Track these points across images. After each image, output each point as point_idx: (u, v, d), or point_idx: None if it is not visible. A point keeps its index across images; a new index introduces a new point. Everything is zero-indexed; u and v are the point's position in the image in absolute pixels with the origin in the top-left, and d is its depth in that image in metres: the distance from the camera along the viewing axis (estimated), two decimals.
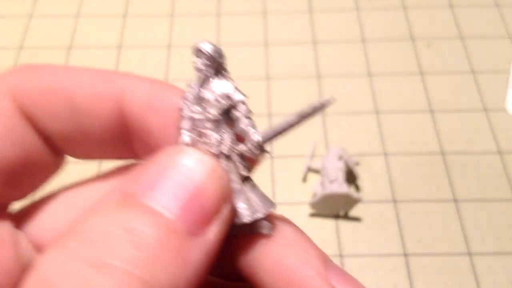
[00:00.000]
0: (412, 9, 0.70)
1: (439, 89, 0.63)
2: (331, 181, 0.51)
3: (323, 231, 0.53)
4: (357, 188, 0.55)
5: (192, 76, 0.16)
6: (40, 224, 0.18)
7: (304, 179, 0.56)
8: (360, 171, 0.56)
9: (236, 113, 0.16)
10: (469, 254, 0.50)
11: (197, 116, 0.16)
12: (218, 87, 0.16)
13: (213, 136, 0.15)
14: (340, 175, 0.52)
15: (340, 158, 0.53)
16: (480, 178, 0.55)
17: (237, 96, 0.16)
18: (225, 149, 0.16)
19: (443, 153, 0.57)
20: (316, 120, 0.60)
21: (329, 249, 0.51)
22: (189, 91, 0.16)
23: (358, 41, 0.68)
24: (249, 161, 0.16)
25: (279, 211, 0.18)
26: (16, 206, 0.19)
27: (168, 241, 0.13)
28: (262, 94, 0.62)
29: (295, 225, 0.16)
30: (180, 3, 0.72)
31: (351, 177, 0.55)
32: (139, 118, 0.17)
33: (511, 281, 0.49)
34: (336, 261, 0.51)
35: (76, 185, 0.19)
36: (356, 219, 0.53)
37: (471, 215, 0.52)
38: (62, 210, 0.18)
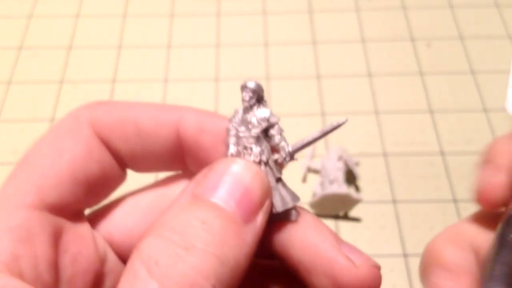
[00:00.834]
0: (412, 9, 0.71)
1: (439, 89, 0.63)
2: (331, 181, 0.51)
3: None
4: (357, 188, 0.55)
5: (238, 103, 0.21)
6: (110, 224, 0.23)
7: (304, 179, 0.56)
8: (360, 171, 0.56)
9: (272, 131, 0.21)
10: None
11: (242, 134, 0.21)
12: (259, 113, 0.21)
13: (256, 148, 0.21)
14: (340, 175, 0.52)
15: (340, 158, 0.53)
16: None
17: (272, 119, 0.21)
18: (264, 158, 0.21)
19: (442, 153, 0.57)
20: (316, 120, 0.60)
21: None
22: (236, 115, 0.21)
23: (358, 41, 0.68)
24: (280, 166, 0.21)
25: None
26: (88, 211, 0.23)
27: (231, 228, 0.18)
28: None
29: (313, 214, 0.21)
30: (180, 3, 0.72)
31: (351, 177, 0.55)
32: (192, 138, 0.22)
33: None
34: None
35: (137, 192, 0.24)
36: (356, 219, 0.53)
37: None
38: (128, 212, 0.23)
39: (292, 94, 0.62)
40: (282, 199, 0.21)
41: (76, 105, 0.22)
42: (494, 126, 0.59)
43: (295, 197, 0.21)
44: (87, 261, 0.21)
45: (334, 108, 0.61)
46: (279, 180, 0.21)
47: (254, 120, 0.21)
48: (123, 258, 0.22)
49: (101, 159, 0.21)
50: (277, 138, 0.21)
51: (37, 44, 0.68)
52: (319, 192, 0.51)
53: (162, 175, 0.24)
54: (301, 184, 0.55)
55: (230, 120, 0.21)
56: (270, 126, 0.21)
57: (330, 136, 0.59)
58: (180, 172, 0.24)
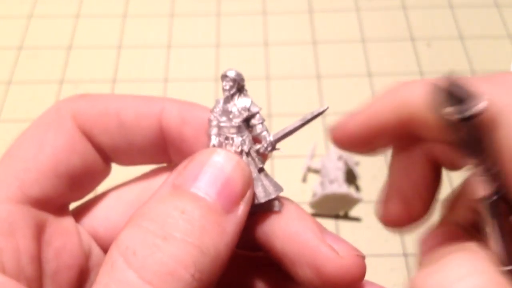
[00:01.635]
0: (412, 9, 0.71)
1: None
2: (331, 181, 0.51)
3: None
4: (357, 188, 0.55)
5: (217, 93, 0.22)
6: (94, 219, 0.23)
7: (304, 179, 0.56)
8: (360, 171, 0.56)
9: (253, 121, 0.21)
10: None
11: (223, 124, 0.21)
12: (240, 102, 0.21)
13: (237, 139, 0.21)
14: (340, 175, 0.52)
15: (340, 158, 0.53)
16: None
17: (253, 109, 0.21)
18: (246, 148, 0.21)
19: None
20: (316, 120, 0.60)
21: None
22: (216, 106, 0.21)
23: (358, 41, 0.68)
24: (263, 156, 0.21)
25: None
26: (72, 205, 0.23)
27: (211, 217, 0.18)
28: (262, 94, 0.62)
29: (296, 204, 0.21)
30: (180, 3, 0.72)
31: (351, 177, 0.55)
32: (175, 130, 0.22)
33: None
34: None
35: (121, 186, 0.24)
36: (356, 219, 0.53)
37: None
38: (112, 206, 0.23)
39: (292, 94, 0.62)
40: (265, 189, 0.21)
41: None
42: None
43: (278, 188, 0.21)
44: (71, 255, 0.21)
45: (334, 108, 0.61)
46: (261, 170, 0.21)
47: (235, 110, 0.21)
48: None
49: (84, 152, 0.21)
50: (258, 128, 0.21)
51: (37, 44, 0.68)
52: (319, 192, 0.51)
53: (148, 168, 0.24)
54: (301, 184, 0.55)
55: (212, 111, 0.21)
56: (252, 115, 0.21)
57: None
58: (164, 165, 0.24)
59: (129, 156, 0.23)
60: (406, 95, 0.20)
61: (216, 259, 0.17)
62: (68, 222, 0.22)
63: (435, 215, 0.24)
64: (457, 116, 0.17)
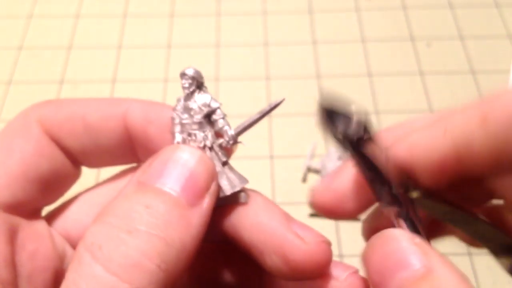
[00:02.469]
0: (412, 9, 0.71)
1: (439, 89, 0.63)
2: None
3: (323, 231, 0.52)
4: None
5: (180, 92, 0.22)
6: (67, 222, 0.23)
7: (304, 179, 0.56)
8: None
9: (214, 116, 0.22)
10: (469, 254, 0.50)
11: (185, 121, 0.21)
12: (200, 99, 0.22)
13: (199, 134, 0.21)
14: None
15: (340, 158, 0.53)
16: None
17: (213, 104, 0.22)
18: (208, 143, 0.21)
19: None
20: (316, 120, 0.60)
21: None
22: (178, 104, 0.22)
23: (358, 41, 0.68)
24: (226, 150, 0.22)
25: None
26: (45, 210, 0.23)
27: (175, 211, 0.18)
28: (262, 94, 0.62)
29: (263, 195, 0.22)
30: (180, 3, 0.72)
31: None
32: (140, 130, 0.22)
33: (510, 281, 0.49)
34: None
35: (91, 188, 0.24)
36: (356, 219, 0.53)
37: None
38: (83, 208, 0.23)
39: (292, 94, 0.62)
40: (230, 182, 0.21)
41: None
42: None
43: (243, 180, 0.21)
44: (45, 258, 0.21)
45: None
46: (225, 163, 0.22)
47: (195, 107, 0.22)
48: None
49: (52, 156, 0.22)
50: (220, 123, 0.22)
51: (37, 44, 0.68)
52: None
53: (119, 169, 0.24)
54: (301, 184, 0.55)
55: (174, 109, 0.22)
56: (212, 111, 0.22)
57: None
58: (134, 165, 0.24)
59: (97, 158, 0.23)
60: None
61: (182, 251, 0.18)
62: (40, 225, 0.22)
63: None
64: (340, 136, 0.19)
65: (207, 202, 0.19)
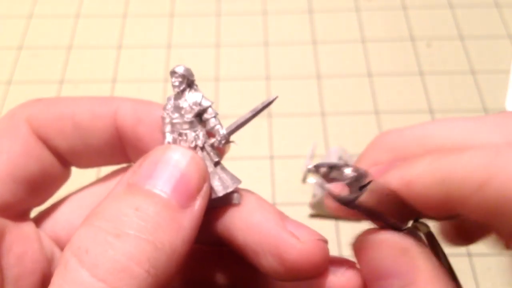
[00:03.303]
0: (412, 9, 0.70)
1: (439, 89, 0.63)
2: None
3: (323, 232, 0.52)
4: None
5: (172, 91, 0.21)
6: (56, 224, 0.23)
7: (304, 180, 0.56)
8: None
9: (205, 115, 0.21)
10: (469, 255, 0.50)
11: (176, 121, 0.21)
12: (190, 97, 0.21)
13: (190, 134, 0.21)
14: None
15: (340, 158, 0.53)
16: None
17: (204, 103, 0.21)
18: (199, 142, 0.21)
19: None
20: (316, 120, 0.60)
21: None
22: (168, 103, 0.21)
23: (358, 41, 0.68)
24: (219, 150, 0.21)
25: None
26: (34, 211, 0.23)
27: (166, 213, 0.17)
28: (262, 94, 0.62)
29: (257, 194, 0.21)
30: (180, 3, 0.72)
31: None
32: (130, 129, 0.21)
33: (509, 282, 0.49)
34: None
35: (81, 189, 0.23)
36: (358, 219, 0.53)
37: None
38: (72, 210, 0.23)
39: (292, 94, 0.62)
40: (223, 183, 0.21)
41: None
42: None
43: (236, 180, 0.21)
44: (32, 261, 0.21)
45: (334, 108, 0.61)
46: (217, 164, 0.21)
47: (186, 106, 0.21)
48: None
49: (41, 157, 0.21)
50: (211, 122, 0.21)
51: (37, 44, 0.68)
52: (319, 192, 0.51)
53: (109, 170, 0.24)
54: (301, 184, 0.55)
55: (164, 108, 0.21)
56: (203, 110, 0.21)
57: (330, 136, 0.59)
58: (125, 165, 0.24)
59: (87, 159, 0.23)
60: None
61: (172, 254, 0.17)
62: (28, 228, 0.21)
63: None
64: (340, 202, 0.19)
65: (198, 204, 0.19)
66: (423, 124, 0.20)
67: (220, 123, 0.21)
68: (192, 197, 0.18)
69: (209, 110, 0.21)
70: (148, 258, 0.16)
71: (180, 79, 0.21)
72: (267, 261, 0.20)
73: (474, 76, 0.64)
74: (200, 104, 0.21)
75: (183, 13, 0.71)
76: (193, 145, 0.21)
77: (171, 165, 0.19)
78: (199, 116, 0.21)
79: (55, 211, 0.23)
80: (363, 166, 0.20)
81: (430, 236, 0.20)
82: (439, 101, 0.62)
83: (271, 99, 0.22)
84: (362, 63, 0.65)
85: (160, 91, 0.63)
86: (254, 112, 0.22)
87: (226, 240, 0.21)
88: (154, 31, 0.69)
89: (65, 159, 0.22)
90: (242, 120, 0.22)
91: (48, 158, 0.22)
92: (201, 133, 0.21)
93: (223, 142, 0.21)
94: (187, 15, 0.71)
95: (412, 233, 0.19)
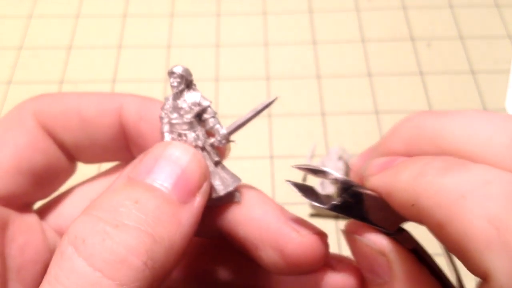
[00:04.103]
0: (412, 9, 0.70)
1: (439, 89, 0.63)
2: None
3: None
4: None
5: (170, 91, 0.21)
6: (59, 215, 0.23)
7: (304, 179, 0.56)
8: None
9: (205, 115, 0.21)
10: None
11: (175, 121, 0.21)
12: (189, 97, 0.21)
13: (190, 135, 0.21)
14: None
15: (340, 158, 0.53)
16: None
17: (204, 102, 0.21)
18: (200, 143, 0.21)
19: None
20: (316, 120, 0.60)
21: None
22: (166, 102, 0.21)
23: (358, 41, 0.68)
24: (219, 150, 0.21)
25: None
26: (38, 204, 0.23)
27: (165, 208, 0.17)
28: (262, 94, 0.62)
29: (257, 189, 0.22)
30: (180, 3, 0.72)
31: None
32: (133, 126, 0.22)
33: None
34: None
35: (84, 182, 0.24)
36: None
37: None
38: (76, 203, 0.23)
39: (292, 94, 0.62)
40: (223, 182, 0.21)
41: None
42: None
43: (236, 179, 0.21)
44: (35, 252, 0.21)
45: (334, 108, 0.61)
46: (218, 163, 0.21)
47: (185, 106, 0.21)
48: None
49: (47, 150, 0.21)
50: (211, 122, 0.21)
51: (37, 44, 0.68)
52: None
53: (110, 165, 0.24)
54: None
55: (162, 108, 0.21)
56: (203, 110, 0.21)
57: (330, 136, 0.59)
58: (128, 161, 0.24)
59: (92, 154, 0.23)
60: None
61: (171, 249, 0.17)
62: (31, 219, 0.22)
63: None
64: (320, 208, 0.20)
65: (198, 201, 0.19)
66: (456, 114, 0.18)
67: (219, 123, 0.21)
68: (192, 194, 0.19)
69: (209, 109, 0.21)
70: (146, 250, 0.16)
71: (178, 80, 0.21)
72: (267, 255, 0.20)
73: (474, 76, 0.64)
74: (199, 104, 0.21)
75: (183, 13, 0.71)
76: (193, 145, 0.21)
77: (172, 161, 0.19)
78: (198, 116, 0.21)
79: (59, 204, 0.23)
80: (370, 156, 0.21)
81: (414, 242, 0.20)
82: (439, 101, 0.62)
83: (271, 99, 0.22)
84: (362, 63, 0.65)
85: (160, 91, 0.63)
86: (254, 112, 0.22)
87: (227, 234, 0.21)
88: (154, 31, 0.69)
89: (70, 154, 0.23)
90: (242, 120, 0.22)
91: (54, 152, 0.22)
92: (200, 133, 0.21)
93: (223, 141, 0.21)
94: (187, 15, 0.71)
95: (398, 237, 0.20)
